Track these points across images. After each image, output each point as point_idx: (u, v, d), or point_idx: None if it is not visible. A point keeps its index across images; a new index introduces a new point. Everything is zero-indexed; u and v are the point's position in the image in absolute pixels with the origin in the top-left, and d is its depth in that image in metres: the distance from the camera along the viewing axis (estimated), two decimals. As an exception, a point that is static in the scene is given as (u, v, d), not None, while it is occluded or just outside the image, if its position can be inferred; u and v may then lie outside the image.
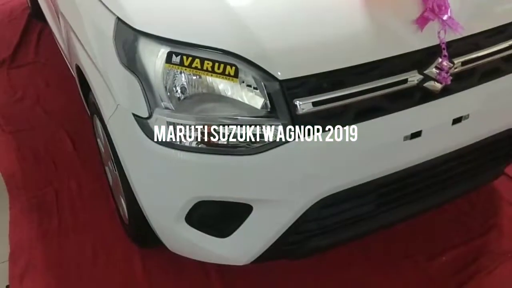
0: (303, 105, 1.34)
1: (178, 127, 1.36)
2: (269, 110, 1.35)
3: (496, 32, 1.56)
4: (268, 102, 1.34)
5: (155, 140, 1.38)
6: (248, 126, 1.35)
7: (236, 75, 1.30)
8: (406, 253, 1.94)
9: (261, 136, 1.36)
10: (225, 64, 1.30)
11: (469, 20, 1.48)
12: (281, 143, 1.36)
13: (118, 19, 1.39)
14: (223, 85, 1.33)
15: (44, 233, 2.08)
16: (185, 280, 1.86)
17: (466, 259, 1.90)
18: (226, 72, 1.30)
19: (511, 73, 1.62)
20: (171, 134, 1.37)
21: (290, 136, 1.36)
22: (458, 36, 1.47)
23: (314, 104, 1.35)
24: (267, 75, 1.31)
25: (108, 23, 1.42)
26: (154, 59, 1.33)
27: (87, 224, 2.11)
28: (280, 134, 1.36)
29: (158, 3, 1.39)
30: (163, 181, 1.47)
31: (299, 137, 1.37)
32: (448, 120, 1.54)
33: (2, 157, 2.52)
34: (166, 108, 1.35)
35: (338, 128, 1.40)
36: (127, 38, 1.36)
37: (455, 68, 1.48)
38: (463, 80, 1.54)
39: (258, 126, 1.35)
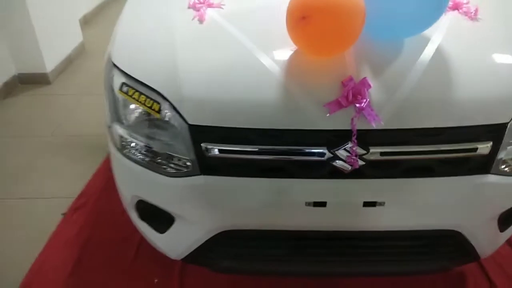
0: (210, 149, 1.22)
1: (126, 141, 1.35)
2: (183, 146, 1.25)
3: (421, 133, 1.18)
4: (181, 139, 1.24)
5: (114, 145, 1.40)
6: (167, 156, 1.28)
7: (159, 111, 1.24)
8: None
9: (175, 165, 1.28)
10: (153, 100, 1.24)
11: (394, 116, 1.15)
12: (189, 174, 1.26)
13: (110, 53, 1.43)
14: (153, 118, 1.27)
15: (106, 186, 2.25)
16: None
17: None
18: (152, 107, 1.24)
19: (439, 176, 1.22)
20: (121, 144, 1.37)
21: (196, 172, 1.25)
22: (382, 127, 1.15)
23: (220, 151, 1.22)
24: (181, 118, 1.21)
25: (108, 55, 1.47)
26: (117, 85, 1.33)
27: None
28: (188, 168, 1.26)
29: (131, 45, 1.38)
30: (118, 175, 1.48)
31: (204, 174, 1.25)
32: (358, 201, 1.24)
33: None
34: (121, 123, 1.35)
35: (240, 177, 1.24)
36: (109, 66, 1.39)
37: (370, 155, 1.17)
38: (382, 169, 1.21)
39: (175, 157, 1.27)
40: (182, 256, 1.48)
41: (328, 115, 1.14)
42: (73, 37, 3.86)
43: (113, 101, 1.36)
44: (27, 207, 2.19)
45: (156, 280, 1.74)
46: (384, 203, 1.23)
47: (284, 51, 1.23)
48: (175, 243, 1.47)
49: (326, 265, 1.40)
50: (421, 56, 1.21)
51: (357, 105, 1.13)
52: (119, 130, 1.35)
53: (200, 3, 1.44)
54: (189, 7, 1.44)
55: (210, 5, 1.44)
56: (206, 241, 1.37)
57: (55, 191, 2.28)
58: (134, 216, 1.52)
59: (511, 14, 1.40)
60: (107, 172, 2.33)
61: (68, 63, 3.71)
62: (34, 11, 3.13)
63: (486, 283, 1.71)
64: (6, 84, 3.22)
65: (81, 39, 3.98)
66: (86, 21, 4.64)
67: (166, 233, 1.46)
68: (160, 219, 1.44)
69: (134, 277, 1.77)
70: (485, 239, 1.40)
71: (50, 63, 3.40)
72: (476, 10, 1.36)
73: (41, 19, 3.23)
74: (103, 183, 2.29)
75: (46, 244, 1.93)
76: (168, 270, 1.77)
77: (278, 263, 1.42)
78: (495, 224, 1.38)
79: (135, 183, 1.40)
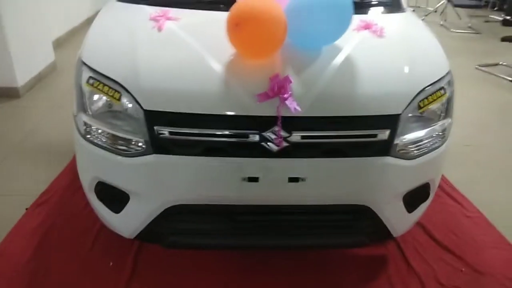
0: (161, 131, 1.45)
1: (89, 127, 1.56)
2: (139, 129, 1.48)
3: (333, 121, 1.47)
4: (137, 123, 1.47)
5: (78, 132, 1.61)
6: (124, 138, 1.50)
7: (119, 99, 1.47)
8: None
9: (132, 146, 1.50)
10: (115, 90, 1.48)
11: (311, 106, 1.44)
12: (143, 154, 1.49)
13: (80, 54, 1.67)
14: (114, 106, 1.50)
15: (69, 185, 2.41)
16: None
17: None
18: (114, 96, 1.48)
19: (353, 157, 1.50)
20: (85, 131, 1.58)
21: (149, 151, 1.48)
22: (302, 114, 1.43)
23: (170, 133, 1.45)
24: (137, 104, 1.45)
25: (78, 55, 1.71)
26: (84, 79, 1.57)
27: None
28: (142, 148, 1.48)
29: (99, 47, 1.64)
30: (80, 160, 1.68)
31: (156, 153, 1.47)
32: (284, 177, 1.49)
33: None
34: (87, 113, 1.57)
35: (186, 156, 1.47)
36: (78, 65, 1.63)
37: (293, 138, 1.45)
38: (303, 150, 1.48)
39: (131, 139, 1.50)
40: (135, 234, 1.67)
41: (258, 103, 1.42)
42: (45, 56, 4.07)
43: (80, 94, 1.59)
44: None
45: (111, 263, 1.90)
46: (305, 179, 1.50)
47: (225, 53, 1.51)
48: (129, 220, 1.66)
49: (257, 238, 1.63)
50: (334, 61, 1.53)
51: (281, 96, 1.41)
52: (84, 118, 1.57)
53: (160, 16, 1.72)
54: (150, 19, 1.72)
55: (168, 18, 1.72)
56: (156, 216, 1.57)
57: (19, 190, 2.41)
58: (93, 198, 1.71)
59: (408, 34, 1.77)
60: (71, 173, 2.51)
61: (39, 80, 3.89)
62: (9, 29, 3.35)
63: (405, 265, 1.97)
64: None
65: (53, 58, 4.18)
66: (59, 44, 4.85)
67: (121, 212, 1.65)
68: (116, 199, 1.64)
69: (91, 262, 1.91)
70: (394, 217, 1.68)
71: (21, 78, 3.58)
72: (381, 29, 1.71)
73: (15, 37, 3.44)
74: (67, 183, 2.45)
75: (8, 234, 2.05)
76: (123, 253, 1.94)
77: (214, 237, 1.63)
78: (400, 204, 1.66)
79: (96, 165, 1.61)
